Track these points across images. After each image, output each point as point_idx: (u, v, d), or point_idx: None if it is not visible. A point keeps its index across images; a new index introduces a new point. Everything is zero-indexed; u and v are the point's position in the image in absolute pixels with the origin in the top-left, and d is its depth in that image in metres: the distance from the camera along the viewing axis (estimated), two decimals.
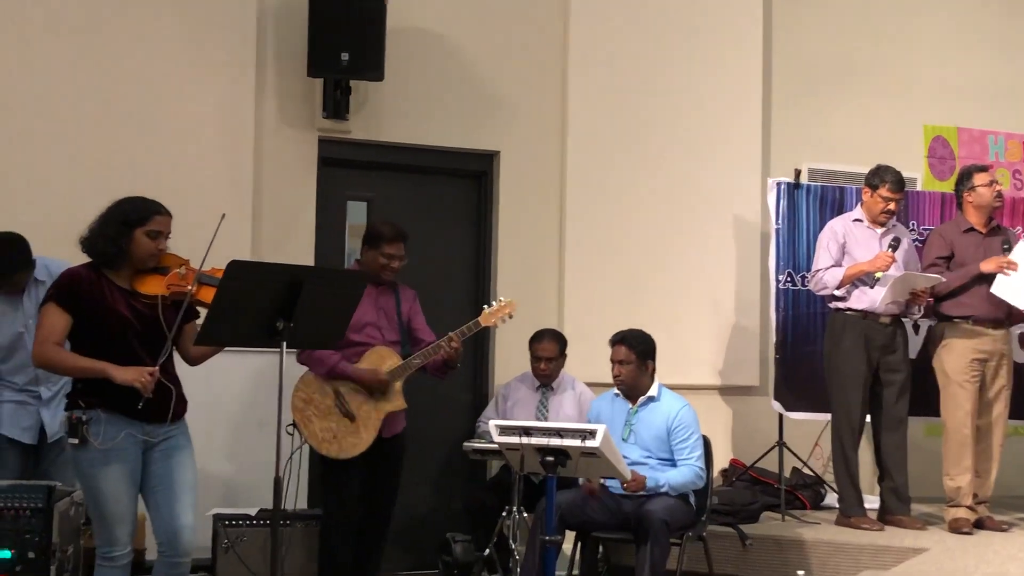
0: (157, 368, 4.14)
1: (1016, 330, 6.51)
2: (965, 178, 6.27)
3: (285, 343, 4.17)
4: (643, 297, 6.99)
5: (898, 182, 6.17)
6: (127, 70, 6.15)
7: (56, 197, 5.81)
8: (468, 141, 6.94)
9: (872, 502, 6.33)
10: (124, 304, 4.23)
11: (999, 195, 6.20)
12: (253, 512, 5.62)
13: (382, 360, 5.38)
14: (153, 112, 6.18)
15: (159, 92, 6.20)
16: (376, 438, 5.35)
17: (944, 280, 6.05)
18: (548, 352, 6.24)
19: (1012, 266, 5.91)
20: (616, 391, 5.64)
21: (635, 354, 5.53)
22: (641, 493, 5.26)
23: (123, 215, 4.26)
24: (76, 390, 4.25)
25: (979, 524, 6.09)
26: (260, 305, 4.10)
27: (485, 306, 5.56)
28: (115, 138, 6.10)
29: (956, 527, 6.00)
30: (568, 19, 7.11)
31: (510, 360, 6.66)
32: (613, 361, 5.56)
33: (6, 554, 4.49)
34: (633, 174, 7.16)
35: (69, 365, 4.19)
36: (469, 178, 7.09)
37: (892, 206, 6.17)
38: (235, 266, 4.03)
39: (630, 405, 5.57)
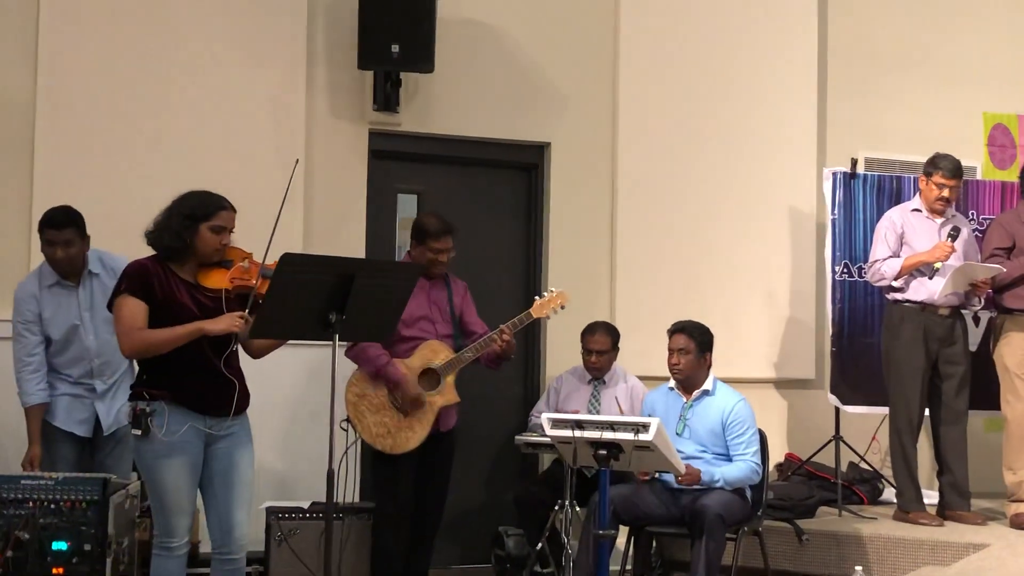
0: (246, 312, 4.17)
1: None
2: None
3: (338, 336, 4.19)
4: (696, 289, 6.98)
5: (953, 168, 6.11)
6: (181, 65, 6.21)
7: (113, 190, 5.89)
8: (518, 132, 6.93)
9: (931, 497, 6.29)
10: (188, 297, 4.27)
11: None
12: (306, 505, 5.65)
13: (435, 354, 5.40)
14: (206, 106, 6.24)
15: (212, 86, 6.26)
16: (430, 433, 5.37)
17: (1004, 270, 5.99)
18: (600, 345, 6.22)
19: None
20: (671, 385, 5.63)
21: (695, 344, 5.52)
22: (696, 487, 5.25)
23: (188, 209, 4.29)
24: (141, 382, 4.31)
25: None
26: (312, 298, 4.11)
27: (536, 297, 5.56)
28: (170, 131, 6.16)
29: (1018, 523, 5.95)
30: (619, 7, 7.09)
31: (562, 353, 6.65)
32: (671, 350, 5.54)
33: (63, 546, 4.55)
34: (685, 165, 7.14)
35: (163, 339, 4.17)
36: (520, 170, 7.09)
37: (947, 192, 6.12)
38: (288, 259, 4.04)
39: (684, 399, 5.55)
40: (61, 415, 5.14)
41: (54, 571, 4.54)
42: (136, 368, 4.47)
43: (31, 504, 4.56)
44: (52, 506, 4.58)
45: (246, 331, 4.17)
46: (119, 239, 5.03)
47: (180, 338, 4.15)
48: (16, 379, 5.11)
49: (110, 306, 4.33)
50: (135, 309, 4.19)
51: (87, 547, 4.57)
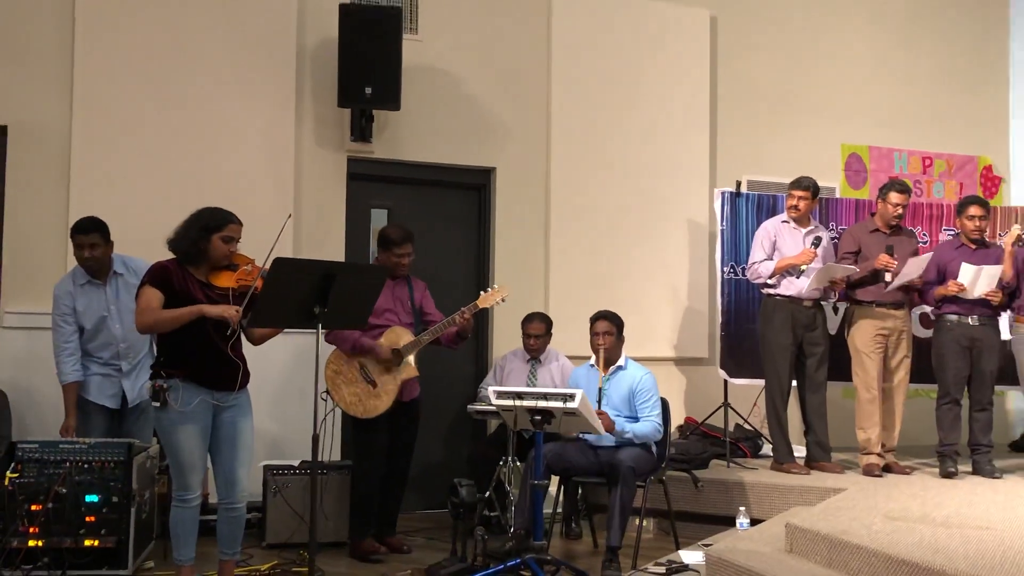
0: (241, 307, 4.15)
1: (916, 311, 6.53)
2: (884, 190, 6.25)
3: (320, 325, 4.19)
4: (614, 285, 6.98)
5: (808, 186, 6.18)
6: (191, 102, 6.17)
7: (134, 207, 5.82)
8: (469, 159, 6.92)
9: (800, 451, 6.33)
10: (201, 293, 4.24)
11: (900, 216, 6.17)
12: (296, 463, 5.65)
13: (398, 337, 5.39)
14: (211, 136, 6.19)
15: (216, 120, 6.21)
16: (395, 402, 5.36)
17: (857, 271, 6.07)
18: (537, 331, 6.25)
19: (890, 263, 5.94)
20: (591, 362, 5.64)
21: (615, 327, 5.55)
22: (612, 444, 5.28)
23: (204, 222, 4.28)
24: (159, 363, 4.27)
25: (887, 468, 6.12)
26: (300, 294, 4.12)
27: (483, 291, 5.57)
28: (181, 158, 6.11)
29: (868, 471, 6.03)
30: (551, 58, 7.09)
31: (505, 338, 6.67)
32: (597, 333, 5.54)
33: (94, 498, 4.54)
34: (605, 185, 7.16)
35: (168, 317, 4.14)
36: (471, 189, 7.08)
37: (801, 205, 6.17)
38: (280, 262, 4.06)
39: (603, 373, 5.57)
40: (94, 391, 5.11)
41: (87, 519, 4.53)
42: (155, 351, 4.44)
43: (68, 464, 4.55)
44: (85, 466, 4.57)
45: (237, 320, 4.14)
46: (141, 245, 4.99)
47: (183, 317, 4.13)
48: (55, 362, 5.09)
49: (137, 297, 4.30)
50: (152, 296, 4.17)
51: (115, 499, 4.56)
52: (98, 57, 6.01)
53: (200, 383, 4.22)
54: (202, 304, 4.17)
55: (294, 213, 6.19)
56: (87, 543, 4.51)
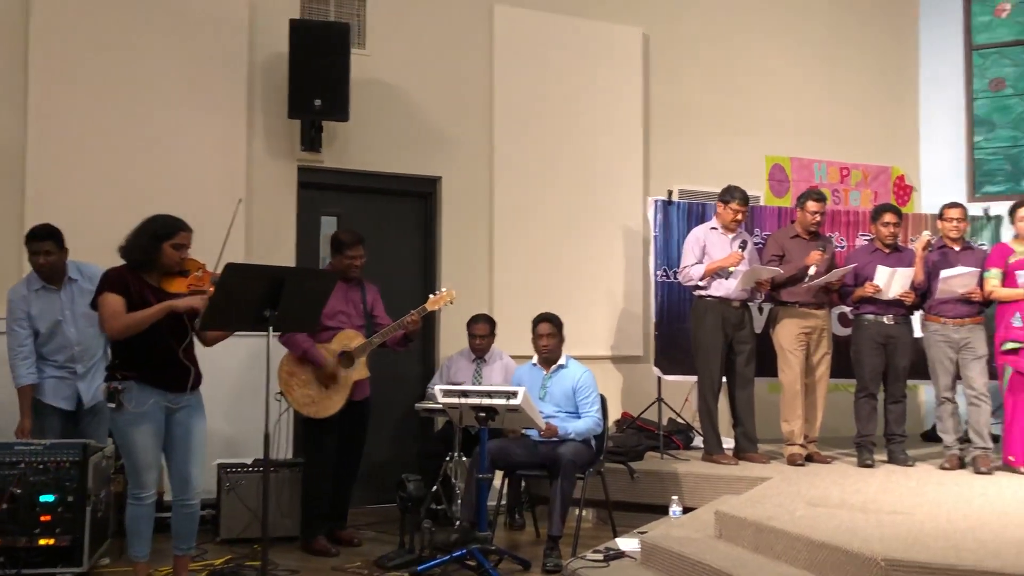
0: (207, 294, 4.10)
1: (835, 311, 6.65)
2: (802, 198, 6.35)
3: (272, 328, 4.15)
4: (554, 288, 7.00)
5: (744, 198, 6.26)
6: (145, 114, 6.07)
7: (88, 216, 5.70)
8: (416, 168, 6.90)
9: (728, 443, 6.40)
10: (154, 299, 4.18)
11: (817, 222, 6.29)
12: (249, 461, 5.59)
13: (350, 340, 5.35)
14: (165, 146, 6.10)
15: (170, 130, 6.12)
16: (346, 401, 5.32)
17: (781, 272, 6.16)
18: (482, 331, 6.25)
19: (820, 260, 6.07)
20: (534, 361, 5.65)
21: (556, 329, 5.57)
22: (553, 439, 5.30)
23: (154, 230, 4.22)
24: (114, 365, 4.21)
25: (809, 458, 6.22)
26: (251, 298, 4.08)
27: (431, 295, 5.55)
28: (134, 168, 6.00)
29: (792, 460, 6.11)
30: (493, 73, 7.10)
31: (452, 338, 6.65)
32: (541, 335, 5.55)
33: (49, 498, 4.45)
34: (545, 193, 7.18)
35: (140, 318, 4.08)
36: (418, 197, 7.05)
37: (740, 216, 6.26)
38: (231, 267, 4.02)
39: (544, 372, 5.59)
40: (49, 393, 5.01)
41: (42, 519, 4.43)
42: (110, 354, 4.36)
43: (23, 465, 4.45)
44: (41, 466, 4.48)
45: (205, 306, 4.09)
46: (95, 252, 4.90)
47: (155, 314, 4.09)
48: (10, 365, 4.98)
49: (93, 304, 4.22)
50: (116, 302, 4.11)
51: (70, 499, 4.47)
52: (52, 69, 5.88)
53: (154, 385, 4.17)
54: (169, 301, 4.12)
55: (246, 221, 6.14)
56: (42, 542, 4.41)
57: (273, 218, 6.40)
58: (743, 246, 6.20)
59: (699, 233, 6.33)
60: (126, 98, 6.02)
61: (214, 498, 5.52)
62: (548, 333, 5.55)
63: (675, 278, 6.73)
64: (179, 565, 4.38)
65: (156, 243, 4.19)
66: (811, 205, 6.24)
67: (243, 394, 5.93)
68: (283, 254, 6.34)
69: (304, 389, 5.29)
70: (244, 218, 6.15)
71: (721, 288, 6.15)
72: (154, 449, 4.19)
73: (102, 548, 4.82)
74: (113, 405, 4.12)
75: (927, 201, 8.57)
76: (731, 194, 6.24)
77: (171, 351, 4.17)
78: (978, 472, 5.72)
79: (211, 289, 4.14)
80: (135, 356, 4.14)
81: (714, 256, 6.20)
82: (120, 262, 4.24)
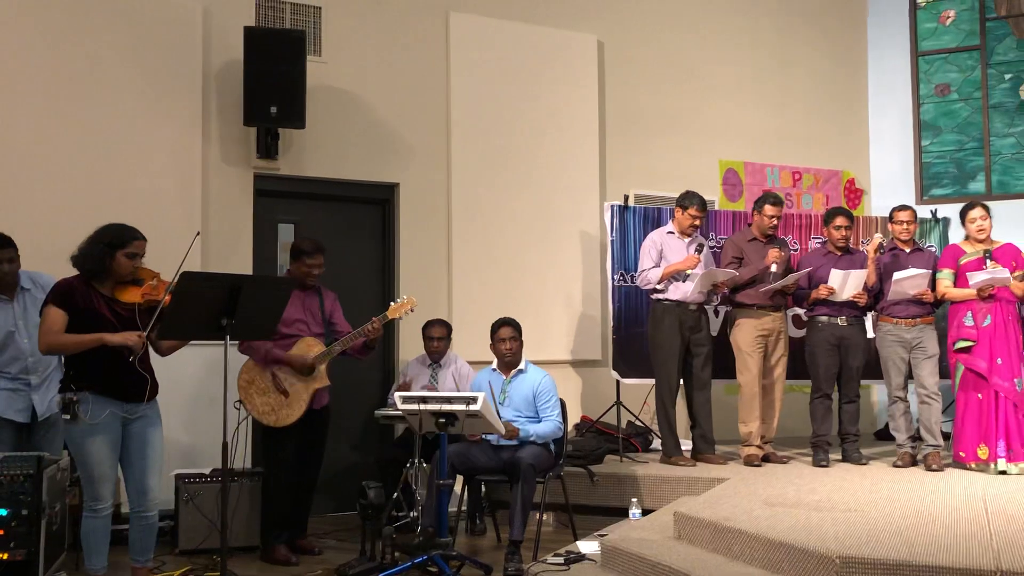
0: (144, 333, 4.07)
1: (789, 312, 6.73)
2: (759, 202, 6.42)
3: (229, 336, 4.11)
4: (513, 293, 7.02)
5: (702, 204, 6.32)
6: (99, 122, 5.99)
7: (41, 225, 5.61)
8: (374, 175, 6.87)
9: (686, 445, 6.43)
10: (107, 308, 4.15)
11: (774, 226, 6.36)
12: (207, 471, 5.53)
13: (309, 348, 5.32)
14: (119, 155, 6.03)
15: (125, 139, 6.05)
16: (306, 410, 5.29)
17: (738, 275, 6.22)
18: (439, 334, 6.22)
19: (779, 257, 6.15)
20: (493, 366, 5.64)
21: (518, 333, 5.58)
22: (514, 443, 5.29)
23: (107, 239, 4.18)
24: (68, 376, 4.16)
25: (766, 458, 6.28)
26: (208, 307, 4.05)
27: (391, 302, 5.53)
28: (88, 176, 5.93)
29: (749, 461, 6.16)
30: (449, 80, 7.10)
31: (411, 345, 6.63)
32: (503, 339, 5.55)
33: (3, 512, 4.34)
34: (502, 199, 7.20)
35: (71, 342, 4.08)
36: (376, 204, 7.03)
37: (698, 221, 6.32)
38: (187, 276, 3.99)
39: (504, 376, 5.59)
40: (2, 405, 4.87)
41: None
42: (64, 365, 4.30)
43: None
44: None
45: (140, 347, 4.06)
46: (48, 262, 4.83)
47: (84, 344, 4.07)
48: None
49: (41, 314, 4.15)
50: (55, 317, 4.08)
51: (24, 512, 4.36)
52: (2, 77, 5.78)
53: (109, 395, 4.13)
54: (103, 332, 4.08)
55: (202, 228, 6.06)
56: None
57: (229, 226, 6.35)
58: (699, 250, 6.26)
59: (656, 237, 6.37)
60: (79, 106, 5.95)
61: (172, 509, 5.45)
62: (510, 337, 5.56)
63: (632, 282, 6.78)
64: None
65: (109, 252, 4.15)
66: (768, 209, 6.32)
67: (201, 403, 5.86)
68: (240, 262, 6.29)
69: (263, 397, 5.25)
70: (201, 226, 6.10)
71: (678, 291, 6.20)
72: (110, 460, 4.15)
73: (58, 562, 4.72)
74: (68, 416, 4.07)
75: (877, 204, 8.72)
76: (689, 199, 6.29)
77: (126, 361, 4.12)
78: (929, 469, 5.83)
79: (167, 299, 4.10)
80: (89, 367, 4.10)
81: (671, 260, 6.24)
82: (72, 272, 4.17)
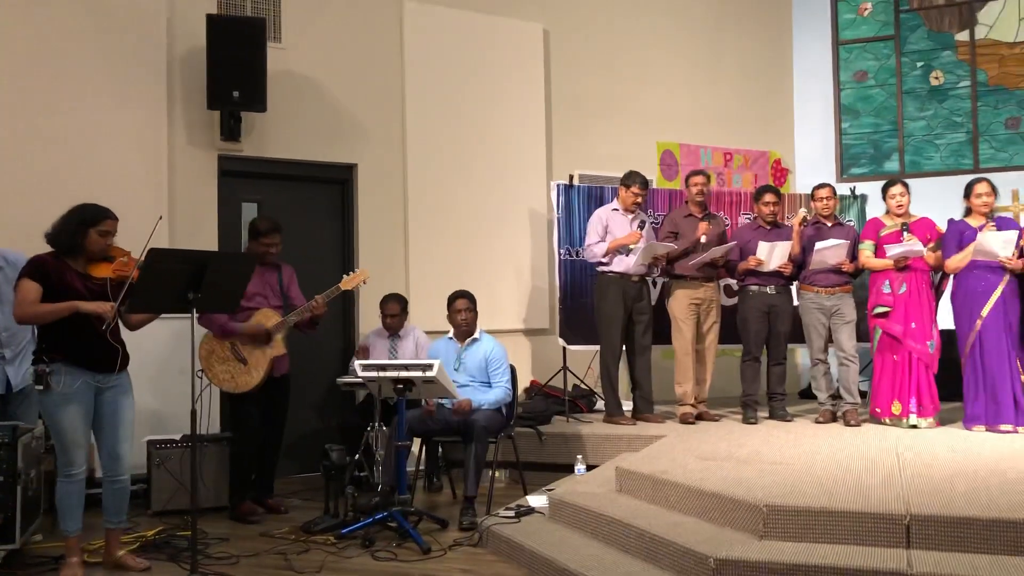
0: (115, 303, 4.01)
1: (721, 283, 6.81)
2: (688, 177, 6.47)
3: (195, 309, 4.06)
4: (466, 267, 7.01)
5: (644, 183, 6.34)
6: (65, 107, 5.82)
7: (12, 205, 5.47)
8: (333, 156, 6.79)
9: (628, 405, 6.49)
10: (80, 283, 4.08)
11: (701, 192, 6.41)
12: (177, 437, 5.47)
13: (267, 318, 5.26)
14: (86, 139, 5.86)
15: (90, 123, 5.89)
16: (268, 377, 5.25)
17: (675, 247, 6.27)
18: (392, 311, 6.18)
19: (708, 231, 6.24)
20: (450, 335, 5.64)
21: (473, 305, 5.57)
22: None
23: (80, 217, 4.12)
24: (41, 348, 4.08)
25: (700, 417, 6.37)
26: (175, 282, 3.98)
27: (344, 275, 5.49)
28: (55, 160, 5.76)
29: (684, 419, 6.25)
30: (404, 66, 7.02)
31: (370, 317, 6.58)
32: (459, 310, 5.54)
33: None
34: (455, 178, 7.15)
35: (46, 311, 4.00)
36: (335, 183, 6.95)
37: (640, 199, 6.34)
38: (154, 252, 3.92)
39: (459, 345, 5.59)
40: None
41: None
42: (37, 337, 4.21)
43: None
44: None
45: (112, 315, 4.00)
46: (15, 244, 4.72)
47: (58, 312, 4.00)
48: None
49: (16, 287, 4.07)
50: (30, 288, 4.01)
51: (1, 479, 4.28)
52: None
53: (81, 366, 4.06)
54: (78, 300, 4.02)
55: (168, 209, 5.99)
56: None
57: (195, 205, 6.23)
58: (641, 226, 6.28)
59: (602, 214, 6.39)
60: (45, 92, 5.76)
61: (144, 473, 5.39)
62: (465, 308, 5.55)
63: (578, 256, 6.81)
64: (111, 538, 4.29)
65: (83, 229, 4.09)
66: (694, 179, 6.39)
67: (170, 373, 5.77)
68: (205, 239, 6.18)
69: (223, 366, 5.20)
70: (168, 206, 5.99)
71: (622, 264, 6.22)
72: (82, 428, 4.09)
73: (34, 525, 4.65)
74: (41, 387, 4.01)
75: (801, 182, 8.83)
76: (632, 179, 6.32)
77: (97, 333, 4.06)
78: (848, 425, 5.96)
79: (135, 274, 4.03)
80: (61, 339, 4.03)
81: (616, 235, 6.26)
82: (41, 251, 4.08)
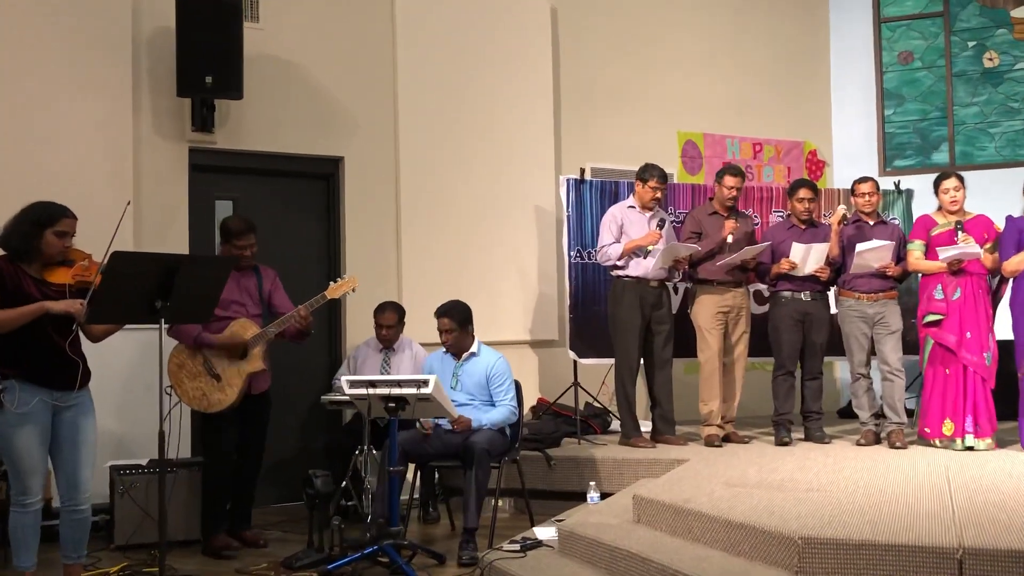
0: (85, 301, 3.99)
1: (750, 288, 6.80)
2: (720, 174, 6.45)
3: (164, 320, 4.06)
4: (465, 272, 7.01)
5: (663, 176, 6.34)
6: (21, 93, 5.83)
7: None
8: (316, 148, 6.80)
9: (646, 426, 6.48)
10: (36, 291, 4.06)
11: (734, 197, 6.39)
12: (144, 462, 5.48)
13: (244, 330, 5.25)
14: (43, 130, 5.88)
15: (48, 113, 5.90)
16: (245, 396, 5.24)
17: (699, 249, 6.26)
18: (389, 321, 6.19)
19: (735, 228, 6.23)
20: (445, 350, 5.64)
21: (456, 323, 5.51)
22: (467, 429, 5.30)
23: (35, 217, 4.09)
24: None
25: (727, 438, 6.36)
26: (141, 288, 3.99)
27: (331, 282, 5.49)
28: (12, 152, 5.77)
29: (709, 442, 6.24)
30: (396, 49, 7.04)
31: (359, 328, 6.59)
32: (441, 331, 5.53)
33: None
34: (453, 174, 7.16)
35: (11, 316, 3.97)
36: (319, 179, 6.96)
37: (659, 194, 6.34)
38: (118, 256, 3.93)
39: (456, 360, 5.59)
40: None
41: None
42: None
43: None
44: None
45: (83, 314, 3.99)
46: None
47: (26, 315, 3.97)
48: None
49: None
50: None
51: None
52: None
53: (38, 383, 4.05)
54: (43, 301, 4.00)
55: (134, 206, 5.97)
56: None
57: (164, 203, 6.24)
58: (661, 225, 6.28)
59: (616, 212, 6.38)
60: (4, 83, 5.77)
61: (107, 502, 5.39)
62: (447, 329, 5.50)
63: (590, 259, 6.80)
64: (70, 574, 4.27)
65: (37, 230, 4.07)
66: (728, 180, 6.36)
67: (134, 390, 5.78)
68: (175, 241, 6.19)
69: (194, 382, 5.19)
70: (133, 204, 5.98)
71: (639, 268, 6.22)
72: (39, 452, 4.07)
73: None
74: None
75: (839, 176, 8.82)
76: (649, 172, 6.31)
77: (56, 346, 4.05)
78: (893, 447, 5.94)
79: (97, 280, 4.03)
80: (17, 352, 4.01)
81: (632, 235, 6.26)
82: None
